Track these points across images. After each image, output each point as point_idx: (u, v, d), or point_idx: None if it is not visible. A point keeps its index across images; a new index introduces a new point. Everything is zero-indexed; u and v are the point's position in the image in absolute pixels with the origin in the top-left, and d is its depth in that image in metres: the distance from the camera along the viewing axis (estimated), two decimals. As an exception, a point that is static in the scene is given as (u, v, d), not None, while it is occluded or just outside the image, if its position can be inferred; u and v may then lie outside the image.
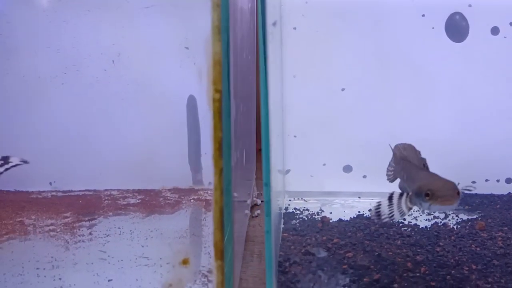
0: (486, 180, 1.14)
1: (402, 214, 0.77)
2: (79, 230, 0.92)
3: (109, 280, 0.76)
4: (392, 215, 0.77)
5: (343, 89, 1.17)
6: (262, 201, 1.18)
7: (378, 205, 0.78)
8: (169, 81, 1.10)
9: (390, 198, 0.78)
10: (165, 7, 1.07)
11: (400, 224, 1.01)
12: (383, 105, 1.16)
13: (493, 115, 1.12)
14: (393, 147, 0.93)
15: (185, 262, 0.73)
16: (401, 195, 0.78)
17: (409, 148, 0.90)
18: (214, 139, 0.63)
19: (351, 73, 1.16)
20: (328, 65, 1.17)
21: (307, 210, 1.11)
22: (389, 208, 0.77)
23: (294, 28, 1.15)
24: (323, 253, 0.86)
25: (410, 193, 0.77)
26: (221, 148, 0.63)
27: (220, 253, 0.65)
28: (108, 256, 0.83)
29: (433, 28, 1.13)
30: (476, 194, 1.13)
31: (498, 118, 1.12)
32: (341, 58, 1.16)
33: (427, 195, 0.72)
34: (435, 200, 0.71)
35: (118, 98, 1.09)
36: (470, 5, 1.11)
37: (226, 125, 0.63)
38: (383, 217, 0.77)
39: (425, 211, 0.82)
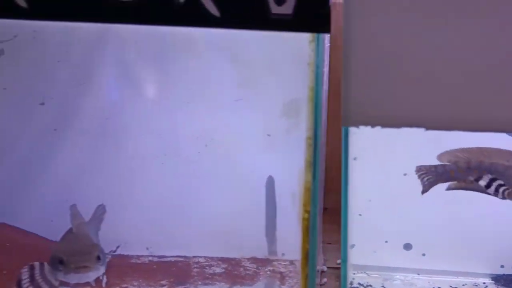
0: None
1: None
2: (176, 300, 1.03)
3: None
4: None
5: (405, 174, 1.28)
6: (328, 268, 1.31)
7: None
8: (252, 164, 1.25)
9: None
10: (252, 102, 1.23)
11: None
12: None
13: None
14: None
15: None
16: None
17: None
18: (302, 250, 0.77)
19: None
20: (393, 149, 1.29)
21: (370, 285, 1.22)
22: None
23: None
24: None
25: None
26: (307, 257, 0.77)
27: None
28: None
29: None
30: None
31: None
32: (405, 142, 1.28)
33: None
34: None
35: (210, 176, 1.25)
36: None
37: (313, 238, 0.78)
38: None
39: None
